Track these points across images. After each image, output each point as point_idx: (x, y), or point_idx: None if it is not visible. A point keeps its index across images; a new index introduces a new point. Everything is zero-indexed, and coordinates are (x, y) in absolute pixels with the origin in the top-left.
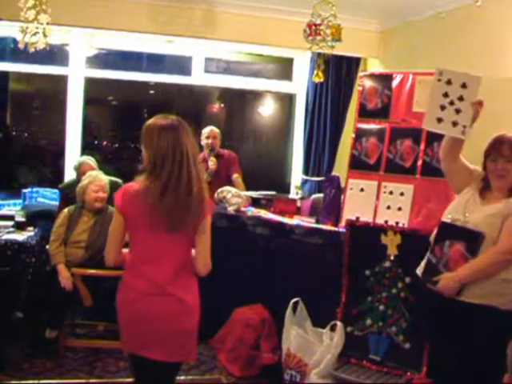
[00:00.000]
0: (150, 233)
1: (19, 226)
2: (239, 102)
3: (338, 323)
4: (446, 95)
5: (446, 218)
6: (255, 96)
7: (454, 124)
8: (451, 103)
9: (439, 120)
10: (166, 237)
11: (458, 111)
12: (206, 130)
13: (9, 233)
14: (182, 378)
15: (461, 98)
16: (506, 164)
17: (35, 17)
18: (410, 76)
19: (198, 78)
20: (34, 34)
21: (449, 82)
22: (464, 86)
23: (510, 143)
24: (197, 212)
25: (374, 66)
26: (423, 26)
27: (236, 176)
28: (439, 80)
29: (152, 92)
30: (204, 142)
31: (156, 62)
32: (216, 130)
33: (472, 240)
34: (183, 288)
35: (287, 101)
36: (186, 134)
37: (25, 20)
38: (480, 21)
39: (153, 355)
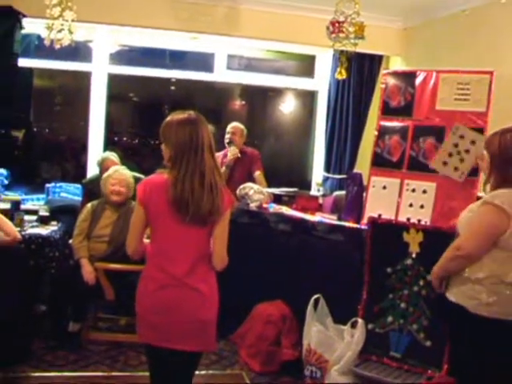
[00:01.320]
0: (168, 225)
1: (43, 221)
2: (261, 98)
3: (359, 320)
4: (455, 145)
5: None
6: (277, 93)
7: (456, 169)
8: (458, 153)
9: (444, 163)
10: (183, 229)
11: (461, 160)
12: (229, 126)
13: (33, 227)
14: (203, 372)
15: (467, 151)
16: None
17: (60, 13)
18: (434, 74)
19: (221, 74)
20: (60, 30)
21: (461, 137)
22: (473, 142)
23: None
24: (212, 204)
25: (397, 64)
26: (446, 24)
27: (258, 173)
28: (454, 133)
29: (173, 88)
30: (226, 136)
31: (178, 58)
32: (239, 126)
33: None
34: (201, 280)
35: (309, 98)
36: (203, 127)
37: (50, 17)
38: (504, 18)
39: (171, 345)
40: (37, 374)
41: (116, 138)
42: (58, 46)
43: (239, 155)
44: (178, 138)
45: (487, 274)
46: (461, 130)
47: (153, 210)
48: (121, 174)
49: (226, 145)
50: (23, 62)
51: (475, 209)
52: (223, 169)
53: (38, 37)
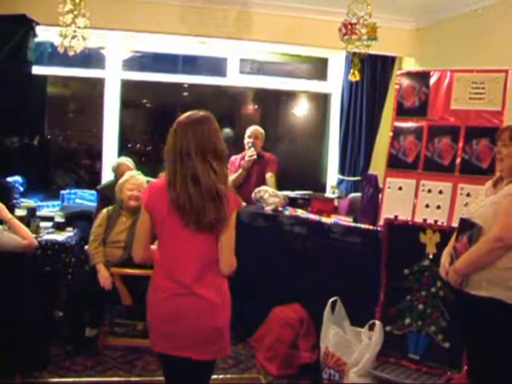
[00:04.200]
0: (173, 230)
1: (59, 227)
2: (274, 102)
3: (377, 322)
4: None
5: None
6: (290, 96)
7: None
8: None
9: None
10: (188, 235)
11: None
12: (249, 129)
13: (49, 233)
14: (221, 376)
15: None
16: (502, 148)
17: (73, 20)
18: (448, 73)
19: (234, 79)
20: (73, 37)
21: None
22: None
23: (510, 130)
24: (219, 213)
25: (410, 65)
26: (459, 23)
27: (270, 175)
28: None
29: (186, 94)
30: (246, 140)
31: (191, 63)
32: (260, 130)
33: (471, 231)
34: (209, 286)
35: (322, 100)
36: (202, 128)
37: (63, 24)
38: None
39: (184, 354)
40: (55, 380)
41: (129, 144)
42: (71, 53)
43: (255, 157)
44: (168, 140)
45: None
46: None
47: (157, 215)
48: (137, 179)
49: (247, 148)
50: (37, 70)
51: (500, 200)
52: (240, 171)
53: (52, 44)
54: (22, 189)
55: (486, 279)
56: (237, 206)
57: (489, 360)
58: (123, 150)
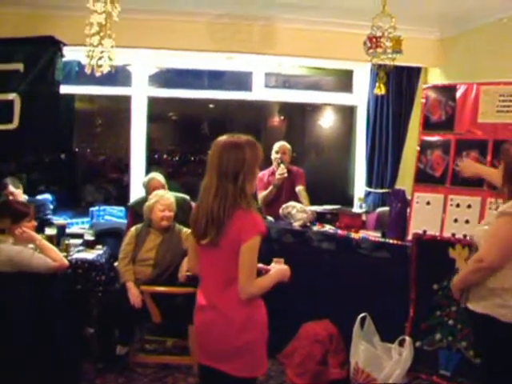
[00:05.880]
0: (198, 247)
1: (88, 245)
2: (299, 114)
3: (407, 338)
4: None
5: None
6: (315, 108)
7: None
8: None
9: None
10: (208, 252)
11: None
12: (276, 145)
13: (79, 251)
14: None
15: None
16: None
17: (99, 42)
18: (474, 86)
19: (259, 93)
20: (100, 58)
21: None
22: None
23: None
24: (223, 227)
25: (436, 75)
26: (484, 33)
27: (301, 188)
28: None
29: (212, 106)
30: (274, 156)
31: (216, 78)
32: (287, 145)
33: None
34: (232, 304)
35: (348, 113)
36: (231, 150)
37: (90, 45)
38: None
39: (215, 365)
40: None
41: (156, 156)
42: (98, 74)
43: (286, 175)
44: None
45: None
46: None
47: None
48: (167, 198)
49: (276, 164)
50: (65, 89)
51: (492, 220)
52: (270, 188)
53: (79, 63)
54: (52, 206)
55: (480, 296)
56: (257, 232)
57: (490, 376)
58: (151, 164)
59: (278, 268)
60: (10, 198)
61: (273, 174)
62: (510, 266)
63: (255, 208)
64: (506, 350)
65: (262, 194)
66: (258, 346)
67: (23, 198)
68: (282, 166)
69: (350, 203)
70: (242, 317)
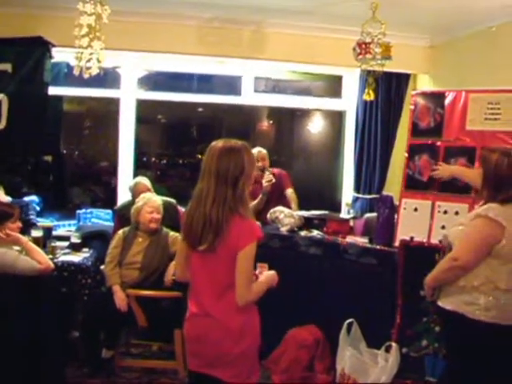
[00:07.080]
0: (191, 253)
1: (75, 248)
2: (288, 119)
3: (393, 344)
4: None
5: None
6: (304, 113)
7: None
8: None
9: None
10: (203, 259)
11: None
12: (256, 151)
13: (65, 254)
14: None
15: None
16: None
17: (89, 44)
18: (463, 93)
19: (248, 97)
20: (89, 60)
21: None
22: None
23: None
24: (221, 233)
25: (424, 82)
26: (474, 41)
27: (291, 191)
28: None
29: (201, 110)
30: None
31: (206, 81)
32: (263, 151)
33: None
34: (227, 311)
35: (337, 118)
36: (230, 155)
37: (79, 47)
38: None
39: (210, 371)
40: None
41: (144, 159)
42: (87, 76)
43: (274, 180)
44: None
45: (483, 280)
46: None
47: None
48: (155, 201)
49: (259, 171)
50: (53, 90)
51: (467, 222)
52: (260, 196)
53: (67, 65)
54: (38, 208)
55: (450, 293)
56: (255, 238)
57: (456, 374)
58: (139, 166)
59: (270, 273)
60: None
61: (255, 182)
62: (480, 265)
63: (251, 214)
64: (473, 347)
65: (252, 204)
66: (253, 353)
67: (5, 198)
68: (267, 172)
69: (338, 208)
70: (238, 324)
